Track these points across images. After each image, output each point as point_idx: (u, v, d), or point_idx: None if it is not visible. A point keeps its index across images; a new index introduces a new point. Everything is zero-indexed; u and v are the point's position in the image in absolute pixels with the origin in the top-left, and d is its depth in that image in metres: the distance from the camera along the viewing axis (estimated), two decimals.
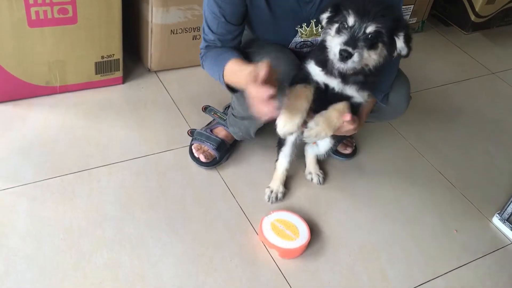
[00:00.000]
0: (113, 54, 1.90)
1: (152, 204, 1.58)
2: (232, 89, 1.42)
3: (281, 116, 1.24)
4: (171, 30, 2.00)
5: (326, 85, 1.33)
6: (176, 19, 1.98)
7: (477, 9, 2.75)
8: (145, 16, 1.96)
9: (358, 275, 1.51)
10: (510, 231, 1.70)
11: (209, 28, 1.41)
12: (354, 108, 1.35)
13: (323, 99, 1.32)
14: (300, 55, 1.49)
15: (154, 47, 2.03)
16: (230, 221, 1.59)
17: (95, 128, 1.80)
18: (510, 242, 1.70)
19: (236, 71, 1.31)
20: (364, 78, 1.29)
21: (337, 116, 1.29)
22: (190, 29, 2.04)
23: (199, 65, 2.13)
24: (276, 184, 1.69)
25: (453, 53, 2.68)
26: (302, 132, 1.32)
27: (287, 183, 1.73)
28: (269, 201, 1.67)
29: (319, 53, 1.31)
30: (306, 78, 1.33)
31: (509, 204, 1.70)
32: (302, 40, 1.49)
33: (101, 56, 1.88)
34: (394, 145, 1.99)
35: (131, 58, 2.12)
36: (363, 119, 1.39)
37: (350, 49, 1.17)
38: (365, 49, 1.20)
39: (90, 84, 1.94)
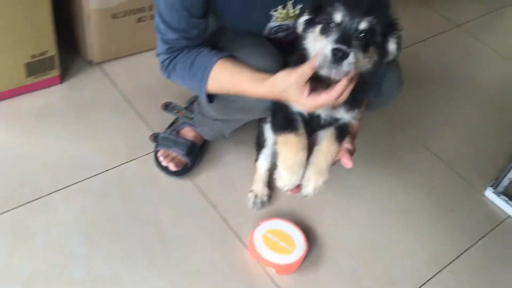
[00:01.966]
0: (47, 51, 1.59)
1: (122, 230, 1.36)
2: (210, 98, 1.20)
3: (281, 172, 1.12)
4: (112, 14, 1.70)
5: (311, 114, 1.14)
6: (117, 1, 1.68)
7: None
8: (80, 0, 1.64)
9: (363, 280, 1.38)
10: (506, 204, 1.63)
11: (168, 26, 1.15)
12: (343, 130, 1.17)
13: (307, 127, 1.15)
14: (275, 42, 1.28)
15: (93, 36, 1.72)
16: (214, 238, 1.40)
17: (38, 144, 1.52)
18: (508, 216, 1.63)
19: (247, 82, 1.12)
20: (353, 96, 1.09)
21: (326, 158, 1.13)
22: (134, 10, 1.74)
23: (149, 50, 1.89)
24: (259, 186, 1.51)
25: (413, 8, 2.52)
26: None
27: (271, 181, 1.55)
28: (254, 207, 1.49)
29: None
30: (289, 117, 1.13)
31: (504, 177, 1.62)
32: (277, 24, 1.26)
33: (32, 55, 1.57)
34: (375, 123, 1.84)
35: (68, 51, 1.80)
36: (356, 133, 1.21)
37: (345, 48, 0.95)
38: (360, 50, 0.99)
39: (22, 89, 1.63)
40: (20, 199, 1.37)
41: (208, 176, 1.55)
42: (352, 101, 1.10)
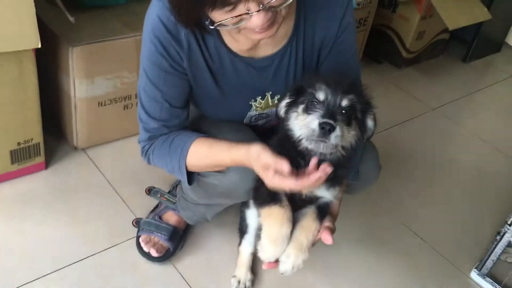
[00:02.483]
0: (32, 139, 1.62)
1: None
2: (189, 179, 1.21)
3: (264, 244, 1.08)
4: (99, 102, 1.75)
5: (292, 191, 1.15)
6: (104, 90, 1.74)
7: (407, 45, 2.75)
8: (67, 89, 1.70)
9: None
10: (491, 286, 1.62)
11: (149, 116, 1.19)
12: (324, 209, 1.17)
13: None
14: (256, 129, 1.32)
15: (79, 123, 1.76)
16: None
17: (18, 231, 1.50)
18: None
19: (223, 150, 1.12)
20: (333, 172, 1.11)
21: (306, 236, 1.11)
22: (120, 98, 1.80)
23: (132, 135, 1.93)
24: (242, 271, 1.49)
25: (391, 92, 2.64)
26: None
27: (254, 266, 1.53)
28: None
29: (283, 152, 1.08)
30: (272, 191, 1.11)
31: (487, 258, 1.62)
32: (257, 113, 1.31)
33: (17, 143, 1.59)
34: (357, 203, 1.85)
35: (53, 137, 1.83)
36: (337, 215, 1.22)
37: (331, 121, 0.98)
38: (344, 124, 1.03)
39: (5, 176, 1.63)
40: None
41: (191, 261, 1.52)
42: (333, 179, 1.12)
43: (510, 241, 1.54)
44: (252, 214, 1.43)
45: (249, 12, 0.93)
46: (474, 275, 1.66)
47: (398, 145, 2.24)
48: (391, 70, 2.84)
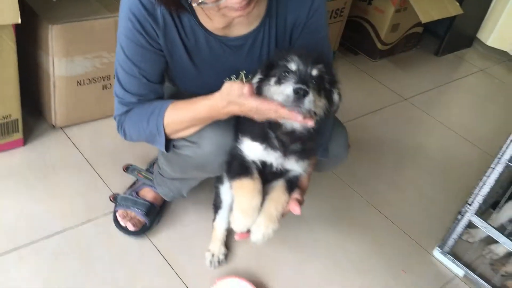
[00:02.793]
0: (10, 115, 1.64)
1: None
2: (166, 146, 1.25)
3: (235, 215, 1.16)
4: (78, 81, 1.78)
5: (263, 163, 1.21)
6: (83, 69, 1.77)
7: (382, 37, 2.83)
8: (46, 68, 1.72)
9: None
10: (452, 264, 1.71)
11: (126, 90, 1.22)
12: (292, 183, 1.24)
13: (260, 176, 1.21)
14: None
15: (58, 102, 1.79)
16: None
17: None
18: (454, 276, 1.70)
19: (199, 101, 1.15)
20: (302, 145, 1.18)
21: (276, 207, 1.18)
22: (99, 78, 1.83)
23: (111, 116, 1.96)
24: (216, 245, 1.54)
25: (365, 82, 2.72)
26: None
27: (227, 240, 1.58)
28: (211, 266, 1.51)
29: (254, 125, 1.16)
30: (244, 164, 1.19)
31: (449, 236, 1.70)
32: None
33: None
34: (328, 184, 1.93)
35: (31, 115, 1.85)
36: (306, 188, 1.28)
37: (304, 87, 1.04)
38: (315, 92, 1.09)
39: None
40: None
41: (167, 236, 1.57)
42: (302, 151, 1.18)
43: (470, 220, 1.63)
44: (226, 190, 1.49)
45: None
46: (436, 253, 1.75)
47: (370, 132, 2.32)
48: (367, 61, 2.91)
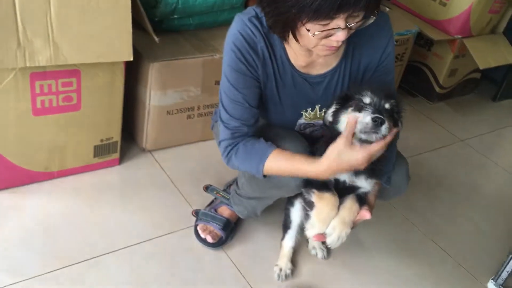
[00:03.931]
0: (112, 137, 1.92)
1: None
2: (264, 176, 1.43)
3: (314, 222, 1.33)
4: (167, 111, 2.05)
5: (337, 180, 1.38)
6: (173, 101, 2.03)
7: (440, 81, 2.98)
8: (143, 99, 2.00)
9: None
10: None
11: (231, 116, 1.41)
12: (362, 198, 1.40)
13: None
14: (304, 136, 1.57)
15: (150, 128, 2.06)
16: None
17: (97, 213, 1.78)
18: None
19: (304, 166, 1.33)
20: (372, 165, 1.35)
21: (348, 214, 1.34)
22: (185, 109, 2.09)
23: (193, 143, 2.22)
24: (284, 261, 1.72)
25: (423, 123, 2.87)
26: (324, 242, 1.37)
27: (293, 258, 1.76)
28: (279, 279, 1.68)
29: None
30: (323, 181, 1.36)
31: (503, 270, 1.80)
32: (306, 122, 1.57)
33: (101, 140, 1.89)
34: (387, 216, 2.08)
35: (125, 139, 2.13)
36: (373, 205, 1.45)
37: (381, 116, 1.23)
38: (388, 120, 1.26)
39: (88, 167, 1.93)
40: (77, 257, 1.60)
41: (240, 250, 1.77)
42: (371, 171, 1.36)
43: None
44: (295, 212, 1.68)
45: (339, 27, 1.18)
46: (490, 285, 1.84)
47: (428, 169, 2.46)
48: (425, 104, 3.07)
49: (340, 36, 1.20)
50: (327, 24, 1.18)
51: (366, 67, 1.45)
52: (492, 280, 1.84)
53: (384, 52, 1.43)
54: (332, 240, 1.32)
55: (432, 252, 1.97)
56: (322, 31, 1.20)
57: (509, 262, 1.78)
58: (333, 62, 1.43)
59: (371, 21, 1.24)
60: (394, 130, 1.26)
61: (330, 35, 1.21)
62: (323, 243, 1.71)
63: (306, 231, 1.37)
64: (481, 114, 3.14)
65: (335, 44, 1.24)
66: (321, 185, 1.36)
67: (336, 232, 1.32)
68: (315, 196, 1.35)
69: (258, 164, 1.39)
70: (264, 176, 1.42)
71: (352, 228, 1.36)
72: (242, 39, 1.35)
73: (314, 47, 1.27)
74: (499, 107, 3.27)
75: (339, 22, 1.18)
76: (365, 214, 1.34)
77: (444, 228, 2.10)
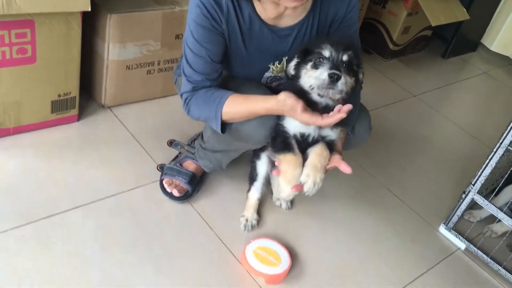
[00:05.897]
0: (70, 92, 1.86)
1: (132, 243, 1.57)
2: (222, 129, 1.45)
3: (282, 185, 1.37)
4: (127, 66, 2.00)
5: (302, 135, 1.42)
6: (132, 55, 1.98)
7: (394, 39, 3.05)
8: (101, 53, 1.94)
9: None
10: (456, 238, 1.92)
11: (194, 70, 1.43)
12: (330, 146, 1.44)
13: (300, 148, 1.41)
14: (270, 89, 1.59)
15: (109, 83, 2.00)
16: (212, 253, 1.62)
17: (59, 169, 1.74)
18: (457, 249, 1.92)
19: (257, 101, 1.38)
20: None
21: (319, 159, 1.37)
22: (145, 64, 2.05)
23: (153, 99, 2.19)
24: (250, 212, 1.76)
25: (378, 79, 2.95)
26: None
27: (259, 209, 1.80)
28: (245, 229, 1.72)
29: None
30: (286, 139, 1.40)
31: (453, 214, 1.92)
32: (273, 75, 1.58)
33: (58, 95, 1.83)
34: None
35: (84, 95, 2.07)
36: (341, 152, 1.49)
37: (338, 72, 1.27)
38: (346, 74, 1.31)
39: (45, 123, 1.87)
40: (40, 213, 1.57)
41: (206, 203, 1.79)
42: None
43: (473, 199, 1.84)
44: (261, 165, 1.71)
45: None
46: (442, 228, 1.97)
47: (383, 123, 2.54)
48: (379, 61, 3.14)
49: None
50: None
51: (333, 19, 1.47)
52: (443, 224, 1.97)
53: (349, 4, 1.45)
54: (308, 186, 1.35)
55: (388, 200, 2.07)
56: None
57: (459, 206, 1.90)
58: (301, 15, 1.44)
59: None
60: (346, 108, 1.28)
61: None
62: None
63: (279, 194, 1.40)
64: (432, 70, 3.26)
65: (294, 0, 1.25)
66: (284, 147, 1.39)
67: (310, 179, 1.35)
68: (278, 159, 1.39)
69: (216, 110, 1.40)
70: (223, 124, 1.44)
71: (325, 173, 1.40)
72: None
73: (274, 1, 1.27)
74: (448, 63, 3.40)
75: None
76: (345, 169, 1.37)
77: (398, 177, 2.21)
